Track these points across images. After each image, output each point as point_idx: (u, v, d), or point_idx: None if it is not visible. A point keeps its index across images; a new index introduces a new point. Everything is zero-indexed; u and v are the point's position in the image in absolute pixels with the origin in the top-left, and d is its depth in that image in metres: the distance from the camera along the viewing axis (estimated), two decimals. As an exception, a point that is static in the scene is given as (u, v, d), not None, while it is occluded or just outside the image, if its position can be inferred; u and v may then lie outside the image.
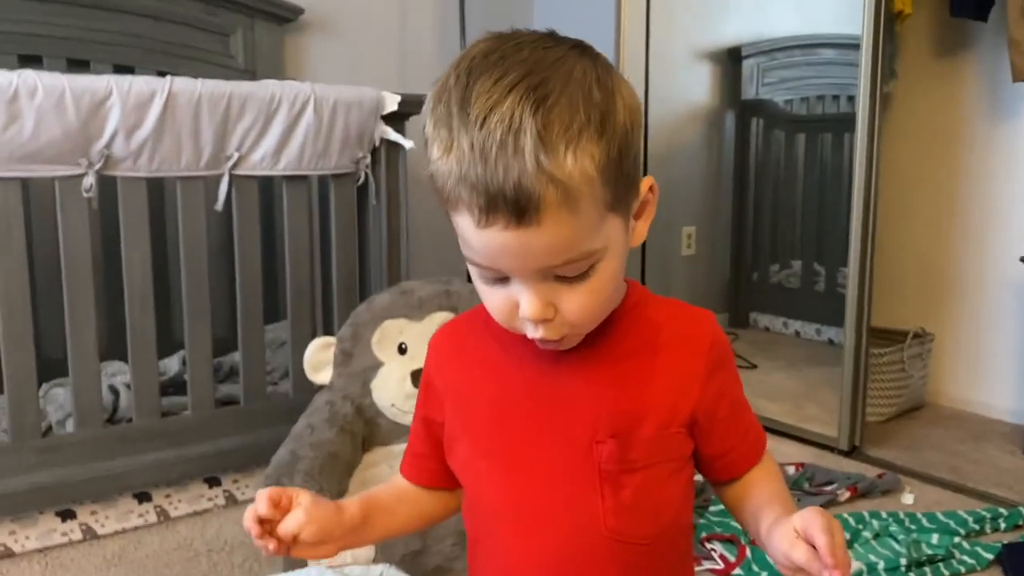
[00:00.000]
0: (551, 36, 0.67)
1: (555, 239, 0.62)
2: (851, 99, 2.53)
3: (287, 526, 0.70)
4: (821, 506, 1.76)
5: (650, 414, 0.71)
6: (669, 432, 0.72)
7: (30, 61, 1.99)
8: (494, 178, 0.60)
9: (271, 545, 0.70)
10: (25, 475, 1.60)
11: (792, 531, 0.63)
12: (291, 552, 0.72)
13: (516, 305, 0.67)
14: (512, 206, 0.60)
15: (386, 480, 1.66)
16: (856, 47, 2.05)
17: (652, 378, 0.71)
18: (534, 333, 0.67)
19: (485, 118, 0.61)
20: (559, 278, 0.65)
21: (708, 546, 1.62)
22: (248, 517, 0.70)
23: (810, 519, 0.62)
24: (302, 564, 1.40)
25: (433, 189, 0.66)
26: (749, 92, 3.25)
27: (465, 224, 0.64)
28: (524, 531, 0.73)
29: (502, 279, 0.67)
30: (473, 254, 0.66)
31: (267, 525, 0.71)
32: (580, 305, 0.66)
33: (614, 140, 0.64)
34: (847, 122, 2.29)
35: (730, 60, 3.26)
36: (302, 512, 0.71)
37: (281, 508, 0.71)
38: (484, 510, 0.77)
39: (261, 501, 0.70)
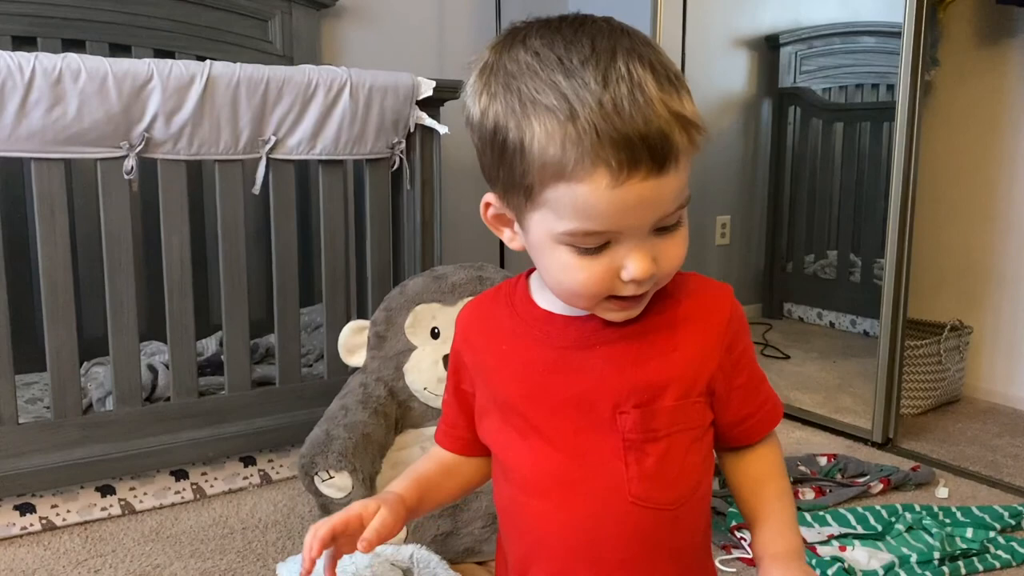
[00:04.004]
0: (577, 14, 0.68)
1: (679, 183, 0.65)
2: (891, 87, 2.50)
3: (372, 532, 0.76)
4: (853, 497, 1.76)
5: (671, 385, 0.73)
6: (689, 401, 0.74)
7: (74, 45, 2.03)
8: (634, 129, 0.62)
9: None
10: (67, 451, 1.64)
11: None
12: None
13: (615, 272, 0.67)
14: (654, 153, 0.62)
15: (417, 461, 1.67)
16: (897, 35, 2.01)
17: (673, 350, 0.73)
18: (635, 291, 0.68)
19: (604, 77, 0.63)
20: (658, 232, 0.67)
21: (738, 534, 1.62)
22: (313, 548, 0.75)
23: None
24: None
25: (531, 166, 0.64)
26: (786, 80, 3.21)
27: (594, 188, 0.63)
28: (552, 501, 0.75)
29: (602, 247, 0.66)
30: (591, 221, 0.65)
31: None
32: (673, 255, 0.69)
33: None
34: (886, 111, 2.26)
35: (767, 47, 3.22)
36: (390, 517, 0.77)
37: (349, 530, 0.77)
38: (514, 480, 0.79)
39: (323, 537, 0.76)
